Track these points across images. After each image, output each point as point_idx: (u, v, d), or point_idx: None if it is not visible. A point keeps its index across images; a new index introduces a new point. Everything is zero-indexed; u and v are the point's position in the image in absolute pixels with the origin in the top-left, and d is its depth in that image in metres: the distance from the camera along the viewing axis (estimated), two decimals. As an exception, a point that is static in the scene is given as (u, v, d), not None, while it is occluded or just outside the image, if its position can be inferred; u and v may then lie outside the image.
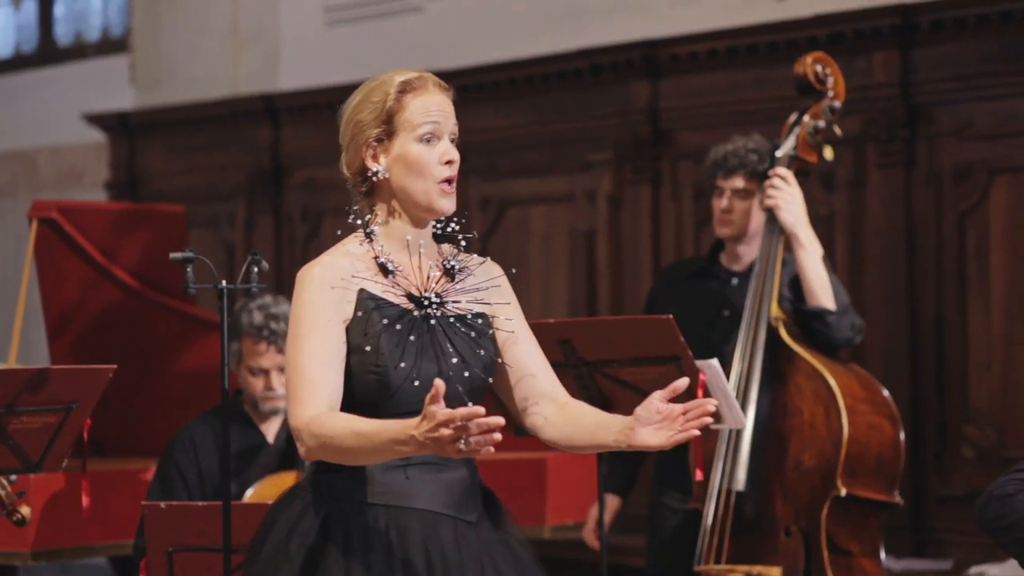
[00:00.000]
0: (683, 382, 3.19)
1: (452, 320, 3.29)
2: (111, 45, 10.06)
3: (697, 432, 3.20)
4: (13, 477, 4.28)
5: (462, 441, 2.91)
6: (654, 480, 5.29)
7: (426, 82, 3.30)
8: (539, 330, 4.41)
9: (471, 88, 7.70)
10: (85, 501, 4.29)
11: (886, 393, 4.94)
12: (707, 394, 4.40)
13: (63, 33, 10.42)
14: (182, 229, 6.32)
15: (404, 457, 3.14)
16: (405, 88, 3.28)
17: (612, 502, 5.35)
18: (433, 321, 3.26)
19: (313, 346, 3.19)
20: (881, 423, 4.86)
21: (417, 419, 2.95)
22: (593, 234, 7.41)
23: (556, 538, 5.96)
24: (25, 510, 4.30)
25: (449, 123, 3.30)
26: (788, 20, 6.73)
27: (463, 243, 3.38)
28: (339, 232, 3.38)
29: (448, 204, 3.29)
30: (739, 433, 4.82)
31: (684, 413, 3.19)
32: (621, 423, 3.24)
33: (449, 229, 3.36)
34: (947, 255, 6.39)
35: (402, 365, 3.19)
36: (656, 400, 3.19)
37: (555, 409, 3.39)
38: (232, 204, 8.65)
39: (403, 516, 3.21)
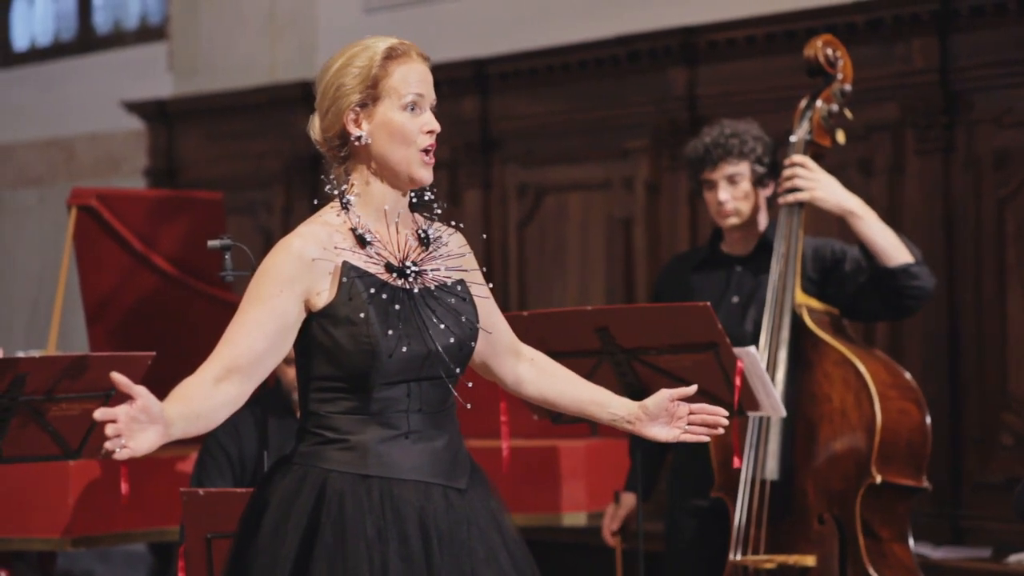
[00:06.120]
0: (691, 389, 3.42)
1: (433, 288, 3.32)
2: (149, 33, 10.08)
3: (706, 438, 3.44)
4: None
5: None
6: (669, 489, 5.25)
7: (410, 50, 3.33)
8: (577, 317, 4.44)
9: (508, 75, 7.69)
10: (124, 488, 4.32)
11: (909, 376, 4.94)
12: (744, 381, 4.40)
13: (102, 21, 10.45)
14: (220, 216, 6.35)
15: (399, 428, 3.23)
16: (391, 54, 3.31)
17: (629, 500, 5.27)
18: (416, 290, 3.29)
19: (249, 313, 3.26)
20: (909, 408, 4.86)
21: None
22: (630, 221, 7.39)
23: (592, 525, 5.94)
24: None
25: (431, 94, 3.34)
26: (827, 6, 6.69)
27: (438, 211, 3.40)
28: (315, 202, 3.39)
29: (427, 174, 3.32)
30: (767, 421, 4.81)
31: (691, 414, 3.43)
32: (623, 406, 3.46)
33: (427, 197, 3.38)
34: (986, 241, 6.35)
35: (390, 333, 3.21)
36: (666, 397, 3.41)
37: (524, 365, 3.54)
38: (270, 191, 8.66)
39: (397, 487, 3.23)
